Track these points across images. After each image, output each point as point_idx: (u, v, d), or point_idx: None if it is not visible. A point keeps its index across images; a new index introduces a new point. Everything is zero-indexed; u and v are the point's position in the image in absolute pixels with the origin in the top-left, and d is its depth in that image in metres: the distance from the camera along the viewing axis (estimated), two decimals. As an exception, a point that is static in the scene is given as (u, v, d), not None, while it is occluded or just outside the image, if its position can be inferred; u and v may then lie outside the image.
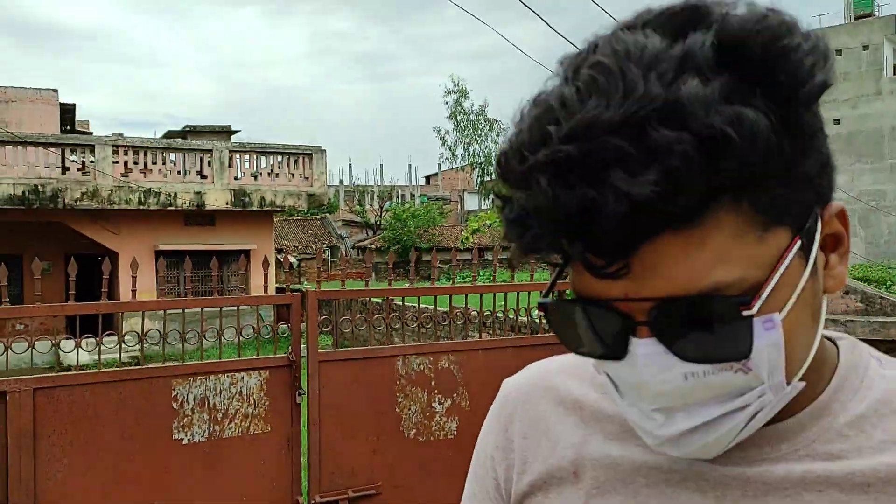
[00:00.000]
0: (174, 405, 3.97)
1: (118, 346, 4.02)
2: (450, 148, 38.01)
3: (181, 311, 4.10)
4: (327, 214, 46.13)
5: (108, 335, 3.98)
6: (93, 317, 3.93)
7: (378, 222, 45.26)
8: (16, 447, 3.58)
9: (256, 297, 4.28)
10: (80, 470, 3.74)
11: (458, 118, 36.97)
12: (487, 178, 36.57)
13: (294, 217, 41.54)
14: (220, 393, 4.09)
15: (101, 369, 3.85)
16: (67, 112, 23.91)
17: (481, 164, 37.09)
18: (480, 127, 36.75)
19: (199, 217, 18.78)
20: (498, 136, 36.94)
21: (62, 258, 19.55)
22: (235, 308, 4.24)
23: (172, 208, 18.07)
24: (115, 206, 17.45)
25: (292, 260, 31.74)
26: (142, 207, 17.77)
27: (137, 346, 4.05)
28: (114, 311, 4.14)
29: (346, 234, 43.57)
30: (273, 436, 4.21)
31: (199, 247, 20.46)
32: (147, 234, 18.39)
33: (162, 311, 4.05)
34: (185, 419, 3.99)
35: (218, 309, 4.13)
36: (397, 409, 4.46)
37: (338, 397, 4.32)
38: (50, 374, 3.71)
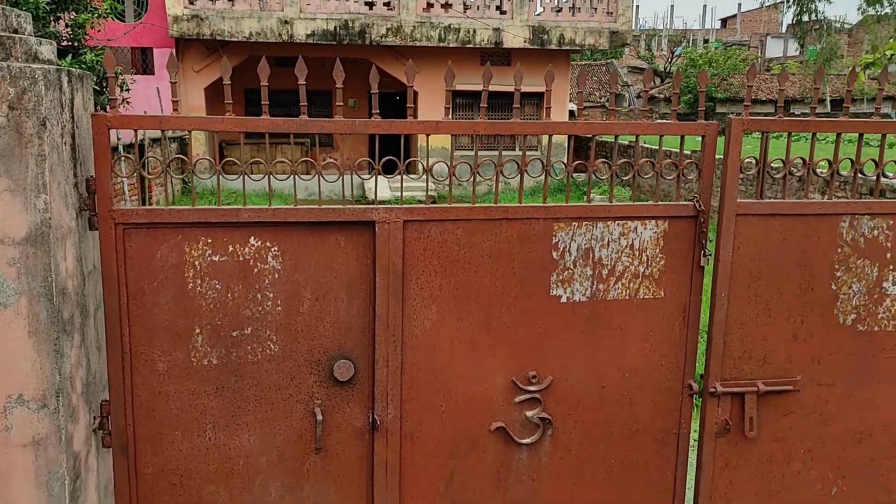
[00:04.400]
0: (554, 254, 3.20)
1: (424, 182, 3.27)
2: (765, -19, 32.93)
3: (472, 154, 3.19)
4: (612, 60, 43.56)
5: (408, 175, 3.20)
6: (391, 161, 3.17)
7: (667, 69, 41.85)
8: (384, 288, 3.06)
9: (660, 125, 3.24)
10: (450, 321, 3.16)
11: (781, -56, 31.61)
12: (807, 18, 31.43)
13: (576, 62, 39.68)
14: (608, 245, 3.24)
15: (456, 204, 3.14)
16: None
17: (802, 0, 31.78)
18: (808, -46, 31.22)
19: (495, 56, 18.10)
20: (829, -36, 31.20)
21: (366, 95, 20.23)
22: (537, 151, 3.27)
23: (470, 46, 17.55)
24: (417, 44, 17.31)
25: (572, 108, 30.43)
26: (441, 45, 17.46)
27: (436, 185, 3.28)
28: (425, 131, 3.22)
29: (631, 82, 40.84)
30: (666, 303, 3.33)
31: (494, 87, 20.12)
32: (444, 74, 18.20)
33: (472, 174, 3.23)
34: (566, 273, 3.22)
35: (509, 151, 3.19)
36: (833, 287, 3.32)
37: (755, 263, 3.28)
38: (420, 206, 3.08)
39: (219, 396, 3.04)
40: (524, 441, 3.32)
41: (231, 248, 2.94)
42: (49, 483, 2.68)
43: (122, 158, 10.60)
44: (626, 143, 14.48)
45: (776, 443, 3.43)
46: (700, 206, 3.24)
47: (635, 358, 3.35)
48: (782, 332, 3.35)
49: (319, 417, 3.11)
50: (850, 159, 3.30)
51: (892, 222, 3.28)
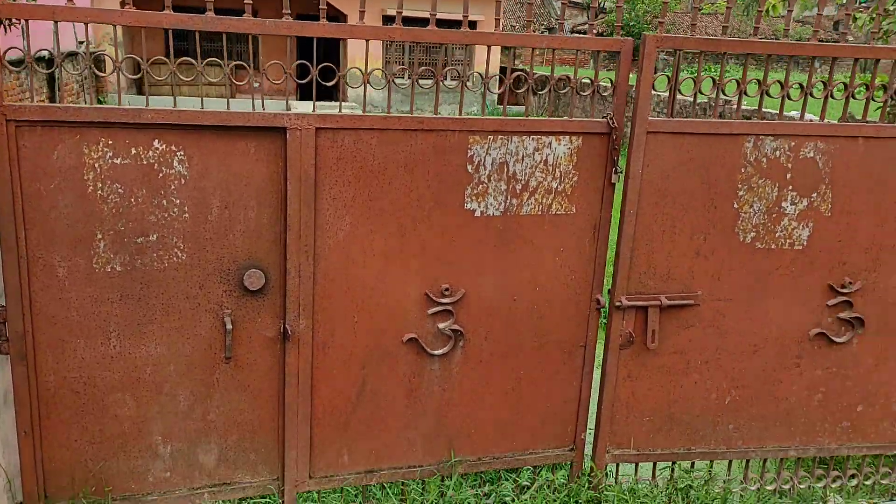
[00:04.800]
0: (469, 168, 3.21)
1: (350, 109, 3.23)
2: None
3: (409, 83, 3.19)
4: (548, -6, 43.12)
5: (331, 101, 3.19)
6: (320, 86, 3.08)
7: (601, 5, 41.78)
8: (296, 197, 3.01)
9: (577, 39, 3.24)
10: (363, 232, 3.15)
11: None
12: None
13: (512, -5, 39.10)
14: (523, 160, 3.26)
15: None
16: None
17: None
18: None
19: (428, -18, 17.69)
20: None
21: (293, 18, 19.53)
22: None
23: (402, -30, 17.07)
24: (347, -35, 16.72)
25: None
26: (372, -33, 16.92)
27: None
28: (340, 35, 3.14)
29: (567, 18, 40.58)
30: (578, 219, 3.39)
31: (425, 13, 19.71)
32: (376, -2, 17.69)
33: (387, 83, 3.20)
34: (480, 187, 3.24)
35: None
36: (735, 205, 3.44)
37: (663, 180, 3.36)
38: (334, 114, 3.02)
39: (123, 304, 2.97)
40: (436, 352, 3.38)
41: (134, 151, 2.84)
42: (-59, 388, 2.59)
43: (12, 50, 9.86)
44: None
45: (676, 354, 3.60)
46: (613, 122, 3.28)
47: (546, 273, 3.42)
48: (686, 249, 3.47)
49: (229, 327, 3.08)
50: (758, 80, 3.38)
51: (793, 143, 3.40)
